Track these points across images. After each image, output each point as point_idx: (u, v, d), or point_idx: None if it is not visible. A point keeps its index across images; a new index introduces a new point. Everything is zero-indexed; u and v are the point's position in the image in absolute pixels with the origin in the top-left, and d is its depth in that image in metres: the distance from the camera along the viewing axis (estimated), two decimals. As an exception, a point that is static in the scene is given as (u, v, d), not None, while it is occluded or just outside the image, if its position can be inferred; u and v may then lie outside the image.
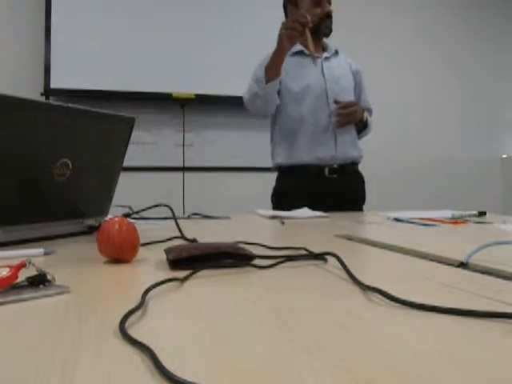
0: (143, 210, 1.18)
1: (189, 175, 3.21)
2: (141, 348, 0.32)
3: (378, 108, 3.71)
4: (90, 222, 0.98)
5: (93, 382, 0.27)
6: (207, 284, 0.53)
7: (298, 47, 1.78)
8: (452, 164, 3.83)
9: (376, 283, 0.48)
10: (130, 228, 0.65)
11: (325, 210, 1.51)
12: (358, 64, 1.91)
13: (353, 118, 1.72)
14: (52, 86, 2.91)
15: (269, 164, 3.66)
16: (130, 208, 1.23)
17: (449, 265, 0.65)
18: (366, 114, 1.79)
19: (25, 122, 0.76)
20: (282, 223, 1.24)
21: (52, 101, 2.82)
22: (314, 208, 1.54)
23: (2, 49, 2.95)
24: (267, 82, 1.60)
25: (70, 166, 0.86)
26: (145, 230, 1.01)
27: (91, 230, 0.96)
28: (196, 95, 3.10)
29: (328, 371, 0.28)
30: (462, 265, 0.64)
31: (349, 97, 1.78)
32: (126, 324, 0.37)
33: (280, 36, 1.50)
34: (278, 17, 3.31)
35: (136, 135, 2.94)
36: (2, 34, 2.95)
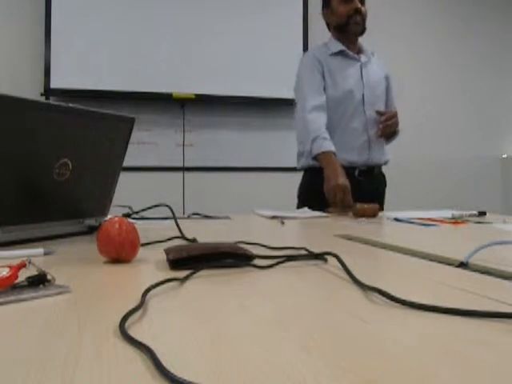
0: (143, 210, 1.18)
1: (189, 175, 3.21)
2: (141, 348, 0.32)
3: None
4: (90, 222, 0.98)
5: (93, 382, 0.27)
6: (207, 284, 0.53)
7: (340, 47, 1.79)
8: (452, 164, 3.83)
9: (376, 283, 0.48)
10: (130, 228, 0.65)
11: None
12: (386, 67, 1.92)
13: (394, 129, 1.76)
14: (52, 86, 2.91)
15: (269, 164, 3.66)
16: (129, 208, 1.23)
17: (449, 265, 0.65)
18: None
19: (25, 121, 0.76)
20: (282, 223, 1.24)
21: (52, 101, 2.83)
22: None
23: (2, 49, 2.95)
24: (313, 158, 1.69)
25: (70, 166, 0.86)
26: (145, 229, 1.01)
27: (91, 230, 0.96)
28: (196, 95, 3.10)
29: (328, 371, 0.28)
30: (462, 265, 0.64)
31: (382, 103, 1.82)
32: (126, 324, 0.37)
33: (331, 193, 1.57)
34: (278, 17, 3.34)
35: (136, 135, 2.94)
36: (2, 34, 2.95)
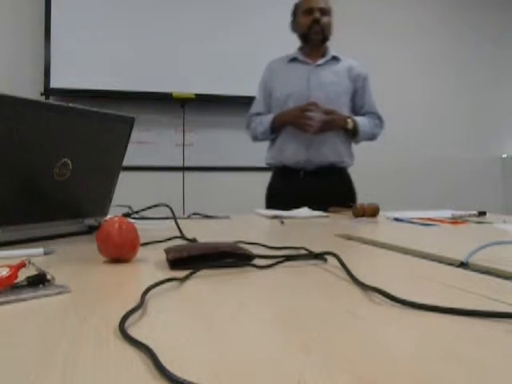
0: (143, 209, 1.18)
1: (189, 175, 3.21)
2: (141, 348, 0.32)
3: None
4: (90, 222, 0.97)
5: (93, 381, 0.27)
6: (207, 284, 0.53)
7: (295, 54, 1.93)
8: (452, 164, 3.82)
9: (376, 283, 0.48)
10: (129, 228, 0.65)
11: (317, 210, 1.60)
12: (363, 68, 1.94)
13: (330, 126, 1.78)
14: (52, 85, 2.91)
15: (269, 164, 3.60)
16: (129, 208, 1.23)
17: (449, 265, 0.65)
18: (350, 121, 1.82)
19: (25, 122, 0.76)
20: (282, 223, 1.24)
21: (52, 101, 2.82)
22: (292, 208, 1.64)
23: (2, 49, 2.95)
24: (272, 133, 1.89)
25: (70, 166, 0.86)
26: (145, 230, 1.01)
27: (91, 229, 0.96)
28: (196, 95, 3.10)
29: (328, 371, 0.28)
30: (462, 265, 0.64)
31: (335, 104, 1.82)
32: (126, 324, 0.37)
33: (291, 120, 1.80)
34: (278, 18, 3.33)
35: (136, 135, 2.94)
36: (2, 34, 2.95)
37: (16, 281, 0.48)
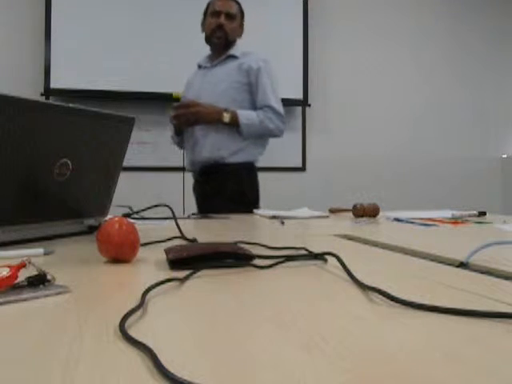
0: (143, 210, 1.18)
1: (189, 175, 3.20)
2: (141, 348, 0.32)
3: (378, 108, 3.70)
4: (90, 222, 0.98)
5: (93, 382, 0.27)
6: (207, 284, 0.53)
7: (200, 61, 2.00)
8: (452, 164, 3.82)
9: (376, 283, 0.48)
10: (129, 228, 0.65)
11: (211, 211, 1.59)
12: (256, 62, 1.86)
13: (193, 119, 1.77)
14: (52, 86, 2.91)
15: (268, 164, 3.67)
16: (130, 208, 1.23)
17: (449, 265, 0.65)
18: (227, 115, 1.76)
19: (25, 121, 0.76)
20: (282, 223, 1.24)
21: (52, 101, 2.82)
22: (205, 209, 1.71)
23: (2, 49, 2.95)
24: (177, 136, 1.98)
25: (70, 166, 0.86)
26: (145, 230, 1.01)
27: (91, 229, 0.96)
28: (196, 95, 3.10)
29: (328, 371, 0.28)
30: (462, 265, 0.64)
31: (222, 99, 1.80)
32: (126, 324, 0.37)
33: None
34: (278, 18, 3.33)
35: (136, 135, 2.94)
36: (2, 34, 2.95)
37: (16, 281, 0.48)
